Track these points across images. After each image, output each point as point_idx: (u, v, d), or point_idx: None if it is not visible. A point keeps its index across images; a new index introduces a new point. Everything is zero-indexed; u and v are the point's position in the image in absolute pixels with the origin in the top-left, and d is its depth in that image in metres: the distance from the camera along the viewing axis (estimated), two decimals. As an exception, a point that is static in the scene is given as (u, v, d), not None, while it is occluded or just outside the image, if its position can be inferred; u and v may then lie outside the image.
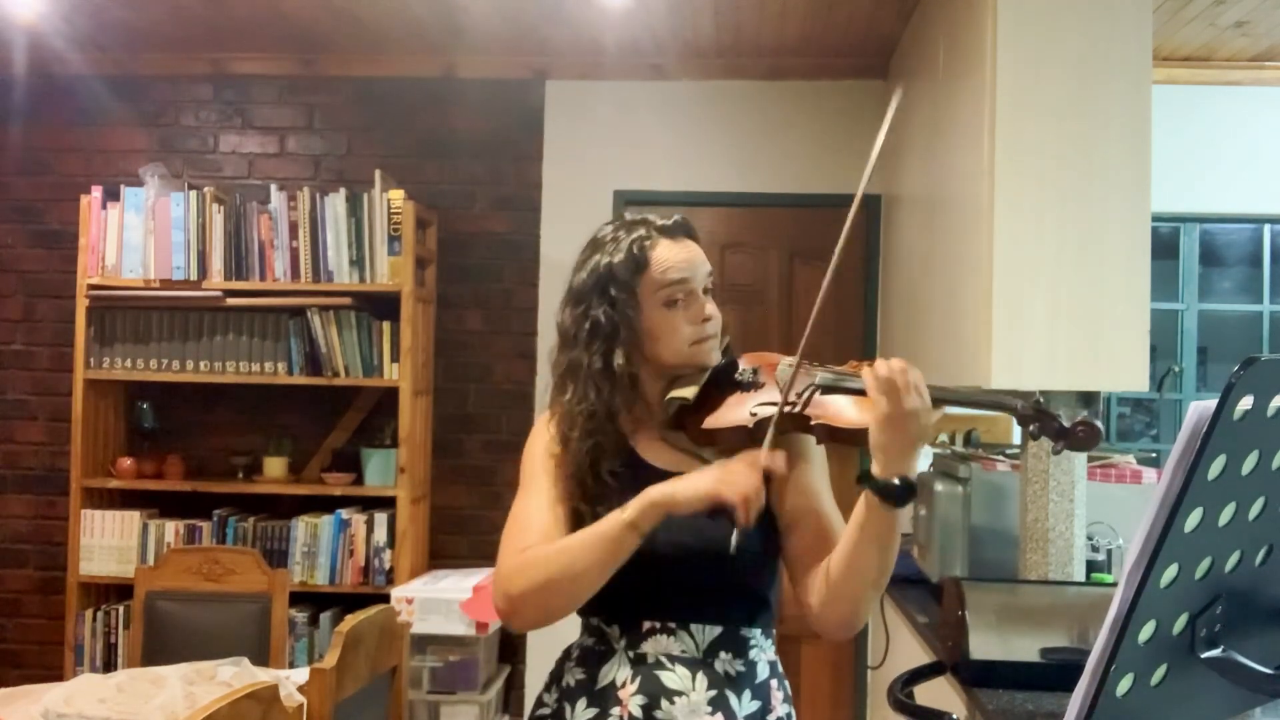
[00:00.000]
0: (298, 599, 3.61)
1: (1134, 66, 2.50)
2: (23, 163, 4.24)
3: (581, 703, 1.53)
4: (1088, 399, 2.60)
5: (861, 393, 1.41)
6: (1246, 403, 0.75)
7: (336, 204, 3.75)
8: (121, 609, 3.77)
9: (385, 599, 3.34)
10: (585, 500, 1.52)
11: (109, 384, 3.93)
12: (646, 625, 1.51)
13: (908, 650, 2.90)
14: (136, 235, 3.79)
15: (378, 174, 3.78)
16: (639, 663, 1.51)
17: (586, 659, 1.56)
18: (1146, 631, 0.80)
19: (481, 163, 4.15)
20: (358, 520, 3.76)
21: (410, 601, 3.44)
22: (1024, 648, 2.07)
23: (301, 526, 3.76)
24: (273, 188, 3.82)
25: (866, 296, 4.06)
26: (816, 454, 1.61)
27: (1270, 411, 0.77)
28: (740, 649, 1.53)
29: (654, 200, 4.10)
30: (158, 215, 3.78)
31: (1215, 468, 0.76)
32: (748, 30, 3.76)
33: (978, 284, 2.57)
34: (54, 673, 3.85)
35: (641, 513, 1.40)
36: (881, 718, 3.50)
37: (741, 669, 1.52)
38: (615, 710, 1.50)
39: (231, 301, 3.76)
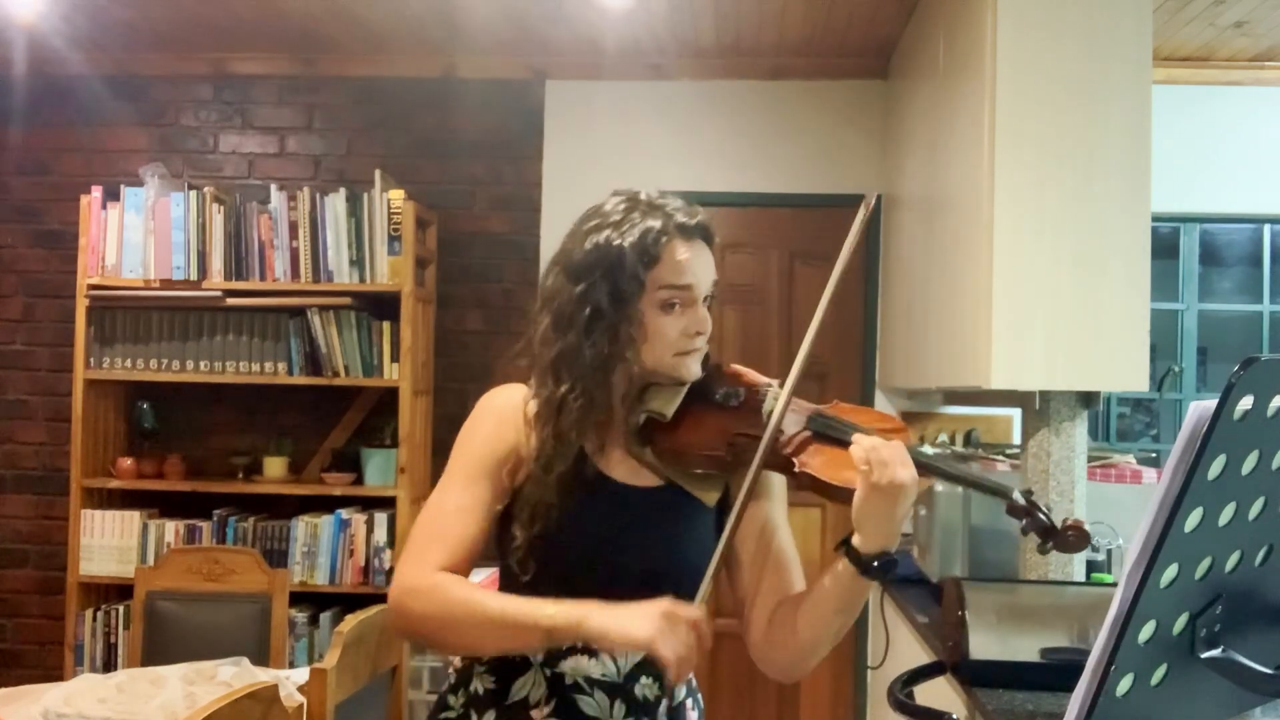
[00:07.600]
0: (298, 599, 3.61)
1: (1134, 66, 2.49)
2: (23, 163, 4.24)
3: (490, 714, 1.44)
4: (1088, 399, 2.60)
5: (846, 444, 1.33)
6: (1246, 403, 0.75)
7: (336, 204, 3.74)
8: (121, 609, 3.76)
9: (385, 599, 3.33)
10: (535, 505, 1.40)
11: (109, 384, 3.93)
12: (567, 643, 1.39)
13: (908, 650, 2.90)
14: (136, 235, 3.78)
15: (378, 174, 3.78)
16: (556, 683, 1.42)
17: (498, 667, 1.46)
18: (1146, 631, 0.80)
19: (481, 163, 4.15)
20: (358, 520, 3.76)
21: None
22: (1024, 648, 2.06)
23: (301, 526, 3.76)
24: (273, 188, 3.82)
25: (866, 296, 4.06)
26: (779, 488, 1.52)
27: (1270, 411, 0.77)
28: (660, 672, 1.39)
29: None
30: (158, 215, 3.78)
31: (1215, 468, 0.76)
32: (748, 30, 3.75)
33: (978, 284, 2.57)
34: (54, 673, 3.85)
35: (564, 629, 1.29)
36: (881, 718, 3.50)
37: (659, 692, 1.44)
38: None
39: (231, 301, 3.76)
